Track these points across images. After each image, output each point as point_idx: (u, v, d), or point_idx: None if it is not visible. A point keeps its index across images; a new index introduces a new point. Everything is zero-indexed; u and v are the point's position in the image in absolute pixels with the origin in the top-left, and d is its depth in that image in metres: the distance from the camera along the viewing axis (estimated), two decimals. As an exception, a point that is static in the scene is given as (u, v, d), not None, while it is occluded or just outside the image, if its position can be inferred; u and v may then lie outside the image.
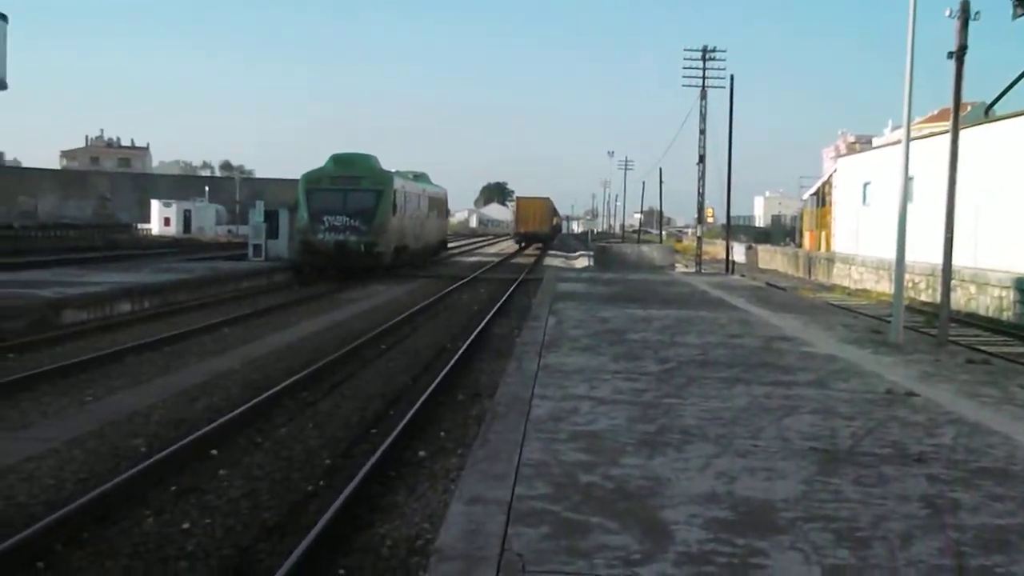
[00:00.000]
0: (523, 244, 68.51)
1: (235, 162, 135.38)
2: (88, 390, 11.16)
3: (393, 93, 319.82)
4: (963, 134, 14.71)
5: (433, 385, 11.52)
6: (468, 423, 9.96)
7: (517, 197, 78.24)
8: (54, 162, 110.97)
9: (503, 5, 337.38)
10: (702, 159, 42.20)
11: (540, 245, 68.18)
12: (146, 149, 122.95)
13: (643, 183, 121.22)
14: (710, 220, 52.48)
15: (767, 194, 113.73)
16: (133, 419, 9.87)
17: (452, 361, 13.42)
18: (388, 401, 11.32)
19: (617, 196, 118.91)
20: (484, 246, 74.16)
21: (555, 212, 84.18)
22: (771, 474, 5.55)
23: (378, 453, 8.31)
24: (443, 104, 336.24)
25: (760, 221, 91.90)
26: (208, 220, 66.00)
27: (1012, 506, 5.07)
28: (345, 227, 29.67)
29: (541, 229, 69.14)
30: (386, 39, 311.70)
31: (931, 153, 27.81)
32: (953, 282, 17.81)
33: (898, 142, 13.84)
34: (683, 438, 6.41)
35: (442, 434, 9.59)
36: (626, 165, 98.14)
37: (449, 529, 4.51)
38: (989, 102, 27.96)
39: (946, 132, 16.94)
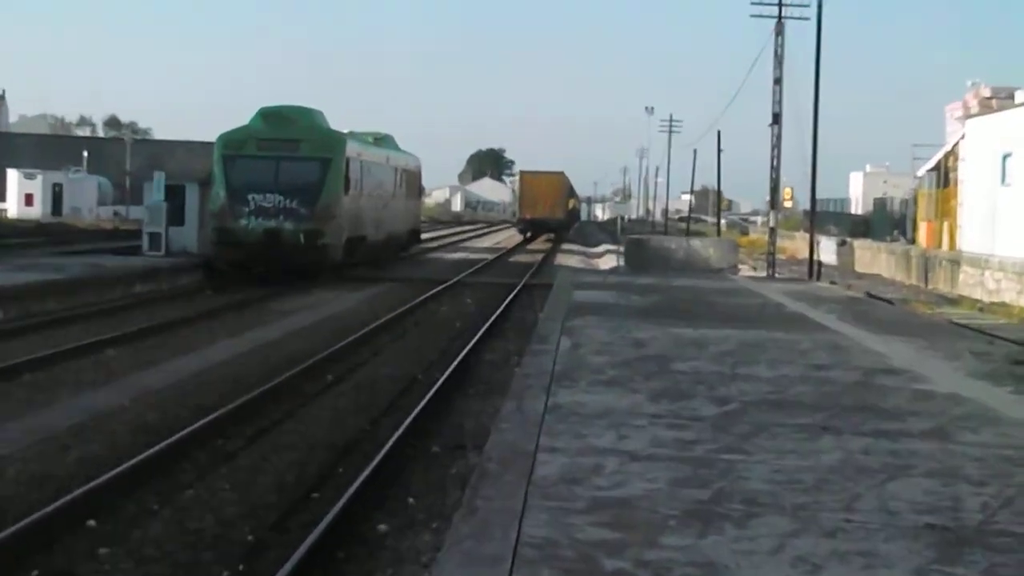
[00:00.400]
0: (528, 234, 68.77)
1: (125, 118, 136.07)
2: (-83, 434, 11.18)
3: (348, 27, 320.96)
4: None
5: (399, 432, 11.52)
6: (447, 485, 9.97)
7: (521, 172, 78.52)
8: None
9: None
10: (777, 119, 42.30)
11: (551, 236, 68.44)
12: (1, 98, 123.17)
13: (694, 152, 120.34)
14: (788, 204, 52.62)
15: (868, 169, 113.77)
16: (-21, 476, 9.86)
17: (425, 399, 13.43)
18: (336, 453, 11.32)
19: (658, 170, 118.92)
20: (472, 237, 74.29)
21: (572, 192, 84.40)
22: (870, 561, 5.56)
23: (321, 526, 8.31)
24: (415, 43, 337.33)
25: (858, 206, 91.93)
26: (87, 198, 66.01)
27: None
28: (278, 210, 29.65)
29: (553, 215, 69.39)
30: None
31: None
32: None
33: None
34: (748, 509, 6.41)
35: (411, 500, 9.59)
36: (671, 126, 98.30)
37: (419, 634, 4.51)
38: None
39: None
